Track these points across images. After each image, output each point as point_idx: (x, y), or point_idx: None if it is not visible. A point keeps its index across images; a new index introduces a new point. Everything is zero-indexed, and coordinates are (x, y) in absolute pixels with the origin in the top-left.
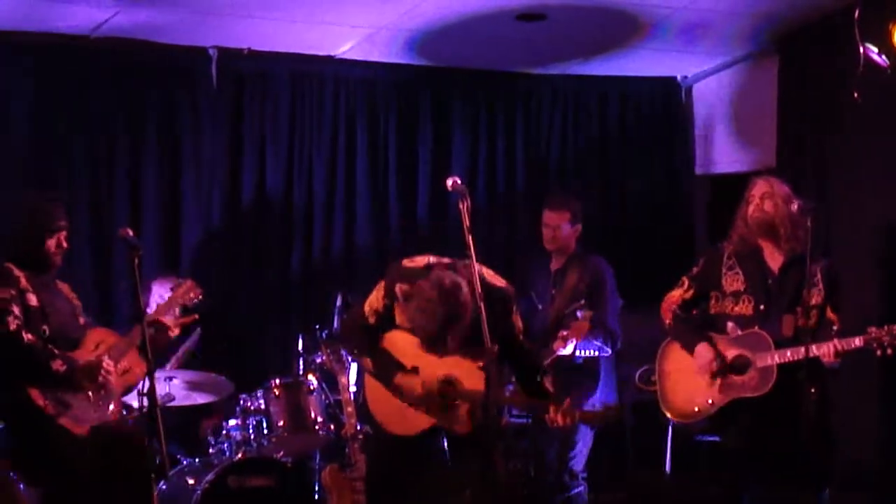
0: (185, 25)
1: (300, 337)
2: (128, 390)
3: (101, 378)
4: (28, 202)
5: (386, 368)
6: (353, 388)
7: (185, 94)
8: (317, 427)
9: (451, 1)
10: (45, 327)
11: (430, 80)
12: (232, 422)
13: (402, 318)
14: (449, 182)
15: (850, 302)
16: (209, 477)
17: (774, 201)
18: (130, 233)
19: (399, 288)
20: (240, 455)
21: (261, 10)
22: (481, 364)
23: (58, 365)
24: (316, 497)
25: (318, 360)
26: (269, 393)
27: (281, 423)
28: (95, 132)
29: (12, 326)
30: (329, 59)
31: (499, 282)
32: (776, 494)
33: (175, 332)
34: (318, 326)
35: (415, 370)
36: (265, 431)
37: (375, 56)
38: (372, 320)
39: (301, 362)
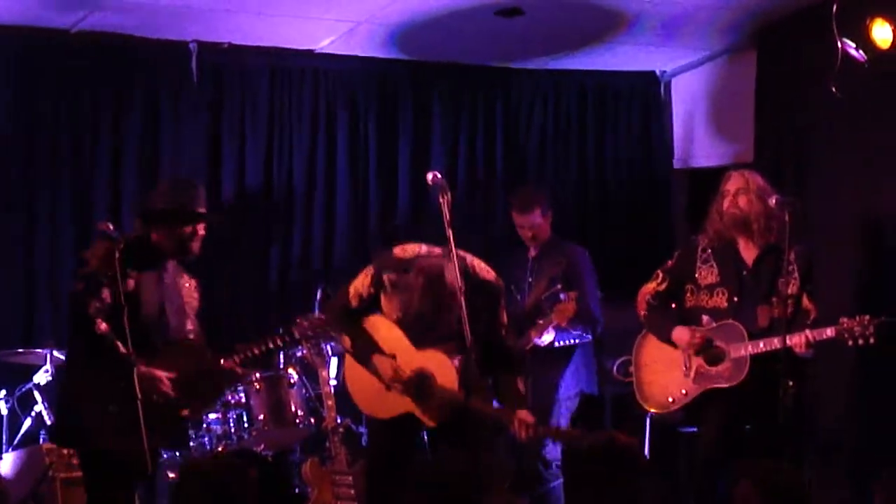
0: (166, 20)
1: (280, 331)
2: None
3: (154, 395)
4: (171, 183)
5: (364, 347)
6: (333, 382)
7: (165, 88)
8: (297, 421)
9: None
10: (130, 314)
11: (409, 74)
12: (212, 415)
13: (388, 307)
14: (429, 176)
15: (827, 294)
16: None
17: (749, 197)
18: (111, 226)
19: (387, 277)
20: (220, 448)
21: (241, 4)
22: (457, 363)
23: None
24: (296, 490)
25: (299, 354)
26: (250, 386)
27: (261, 417)
28: (76, 126)
29: (91, 310)
30: (309, 54)
31: (489, 275)
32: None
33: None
34: (298, 320)
35: (392, 356)
36: (245, 425)
37: (355, 50)
38: (354, 304)
39: (282, 356)
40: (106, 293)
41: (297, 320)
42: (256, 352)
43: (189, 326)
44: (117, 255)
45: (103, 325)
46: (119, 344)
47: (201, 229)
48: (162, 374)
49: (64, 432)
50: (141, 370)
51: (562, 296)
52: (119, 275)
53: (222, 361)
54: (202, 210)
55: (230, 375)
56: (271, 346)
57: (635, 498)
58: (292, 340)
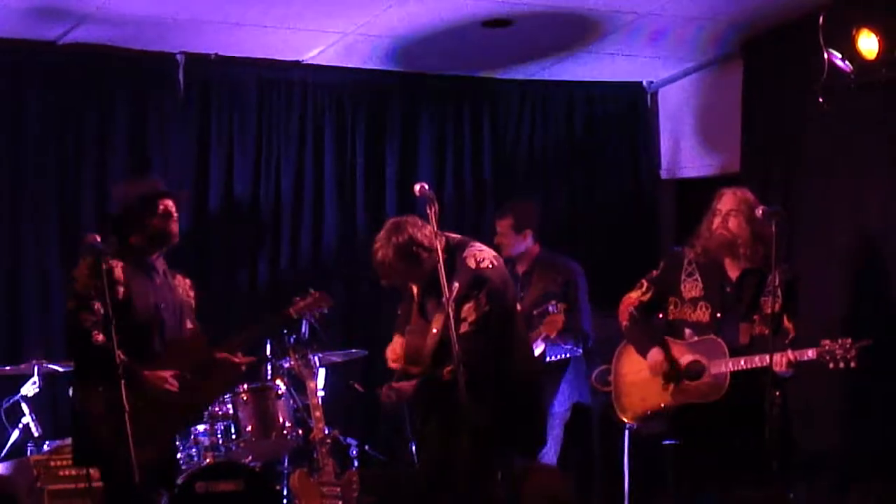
0: (153, 31)
1: (268, 342)
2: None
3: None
4: (122, 184)
5: (399, 324)
6: (321, 393)
7: (152, 100)
8: (285, 432)
9: (417, 7)
10: (125, 321)
11: (397, 85)
12: (200, 427)
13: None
14: (416, 187)
15: (814, 308)
16: (177, 482)
17: (739, 220)
18: (97, 238)
19: None
20: (208, 460)
21: (228, 15)
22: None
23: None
24: (284, 502)
25: (287, 365)
26: (238, 398)
27: (249, 428)
28: (62, 138)
29: (87, 324)
30: (297, 65)
31: (484, 265)
32: (736, 495)
33: (242, 370)
34: (285, 331)
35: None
36: (233, 436)
37: (343, 61)
38: None
39: (269, 367)
40: (97, 306)
41: (295, 300)
42: (252, 338)
43: (188, 325)
44: (104, 266)
45: (100, 337)
46: (119, 353)
47: (170, 207)
48: (166, 373)
49: (82, 452)
50: (146, 375)
51: (550, 308)
52: (107, 286)
53: (219, 354)
54: (162, 189)
55: (230, 366)
56: (267, 330)
57: None
58: (288, 321)
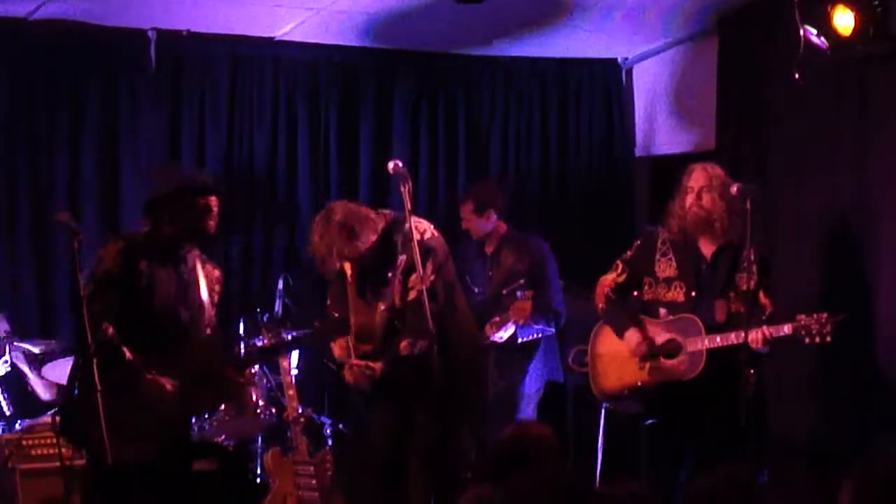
0: (124, 7)
1: (242, 320)
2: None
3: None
4: (168, 169)
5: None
6: (294, 372)
7: (124, 77)
8: (258, 411)
9: None
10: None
11: (370, 61)
12: None
13: None
14: (390, 165)
15: (790, 286)
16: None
17: (712, 195)
18: (69, 216)
19: None
20: None
21: None
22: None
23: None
24: (258, 480)
25: (260, 344)
26: None
27: (222, 407)
28: (34, 115)
29: (94, 311)
30: (269, 41)
31: (427, 235)
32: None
33: (244, 390)
34: (259, 309)
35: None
36: (206, 415)
37: (316, 38)
38: None
39: (243, 346)
40: (114, 296)
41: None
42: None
43: (205, 321)
44: (76, 245)
45: (110, 330)
46: (126, 350)
47: (213, 204)
48: (165, 381)
49: (69, 432)
50: (147, 378)
51: (519, 294)
52: (77, 266)
53: (228, 371)
54: (210, 184)
55: (234, 384)
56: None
57: (557, 477)
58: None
